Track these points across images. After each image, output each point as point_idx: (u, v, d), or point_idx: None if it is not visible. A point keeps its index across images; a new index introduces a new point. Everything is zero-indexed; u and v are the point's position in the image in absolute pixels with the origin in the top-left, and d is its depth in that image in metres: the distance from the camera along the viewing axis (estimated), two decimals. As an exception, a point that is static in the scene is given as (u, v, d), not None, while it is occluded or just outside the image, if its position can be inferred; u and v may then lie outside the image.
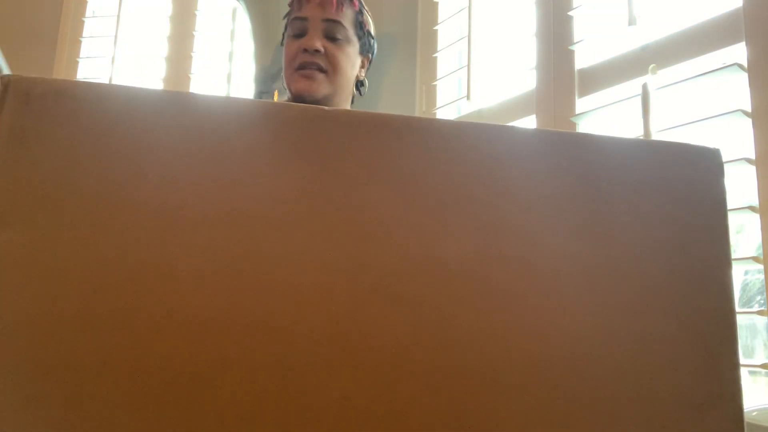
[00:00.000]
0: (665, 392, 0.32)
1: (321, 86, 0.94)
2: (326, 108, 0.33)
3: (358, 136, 0.33)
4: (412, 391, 0.30)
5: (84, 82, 0.32)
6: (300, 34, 0.94)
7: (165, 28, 1.87)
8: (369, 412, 0.30)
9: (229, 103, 0.33)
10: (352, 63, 0.97)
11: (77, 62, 1.85)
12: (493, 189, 0.33)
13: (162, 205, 0.30)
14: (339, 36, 0.95)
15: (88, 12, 1.92)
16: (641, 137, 0.96)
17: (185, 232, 0.30)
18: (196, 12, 1.87)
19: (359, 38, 0.98)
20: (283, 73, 0.99)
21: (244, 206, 0.31)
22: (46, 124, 0.30)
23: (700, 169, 0.36)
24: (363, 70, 1.02)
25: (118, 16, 1.86)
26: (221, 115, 0.32)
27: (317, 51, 0.92)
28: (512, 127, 0.36)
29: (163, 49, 1.85)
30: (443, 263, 0.32)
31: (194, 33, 1.85)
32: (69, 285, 0.29)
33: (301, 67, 0.93)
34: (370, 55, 1.02)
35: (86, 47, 1.88)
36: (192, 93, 0.32)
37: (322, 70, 0.93)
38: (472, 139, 0.34)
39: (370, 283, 0.31)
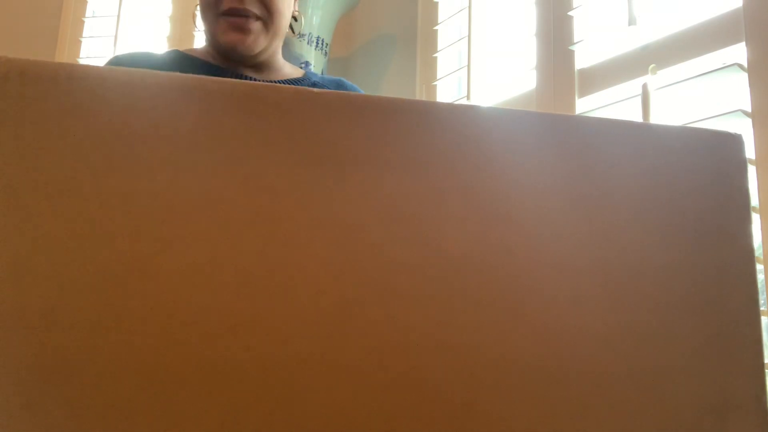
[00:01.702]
0: (683, 396, 0.30)
1: (258, 39, 0.77)
2: (315, 90, 0.30)
3: (350, 120, 0.30)
4: (411, 394, 0.28)
5: (52, 62, 0.29)
6: None
7: (165, 28, 1.87)
8: (364, 416, 0.28)
9: (211, 84, 0.30)
10: (288, 2, 0.80)
11: (77, 62, 1.85)
12: (497, 176, 0.31)
13: (137, 196, 0.28)
14: None
15: (88, 12, 1.92)
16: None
17: (162, 224, 0.28)
18: (196, 12, 1.86)
19: None
20: (198, 13, 0.80)
21: (228, 196, 0.28)
22: (8, 107, 0.28)
23: (721, 157, 0.33)
24: (295, 2, 0.84)
25: (118, 16, 1.86)
26: (202, 96, 0.29)
27: None
28: (517, 110, 0.33)
29: (163, 49, 1.85)
30: (444, 257, 0.30)
31: (194, 33, 1.84)
32: (33, 283, 0.26)
33: (229, 13, 0.75)
34: None
35: (86, 47, 1.88)
36: (172, 73, 0.30)
37: (257, 17, 0.76)
38: (473, 122, 0.31)
39: (365, 279, 0.29)
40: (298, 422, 0.27)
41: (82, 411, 0.26)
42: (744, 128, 0.88)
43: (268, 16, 0.77)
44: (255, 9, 0.75)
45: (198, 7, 0.82)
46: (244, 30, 0.75)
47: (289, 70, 0.90)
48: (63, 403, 0.26)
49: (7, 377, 0.26)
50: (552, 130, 0.32)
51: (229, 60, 0.83)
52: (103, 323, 0.27)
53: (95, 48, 1.90)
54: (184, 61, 0.84)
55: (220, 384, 0.27)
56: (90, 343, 0.26)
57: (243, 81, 0.30)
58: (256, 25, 0.76)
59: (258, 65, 0.84)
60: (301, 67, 1.38)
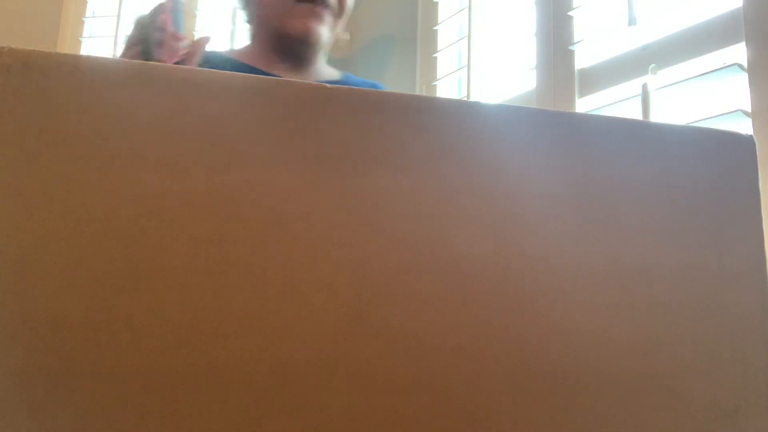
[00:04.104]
0: (694, 398, 0.30)
1: (324, 29, 0.78)
2: (328, 85, 0.30)
3: (362, 117, 0.30)
4: (423, 399, 0.28)
5: (57, 53, 0.28)
6: None
7: (165, 28, 1.87)
8: (375, 422, 0.27)
9: (219, 78, 0.29)
10: (354, 4, 0.83)
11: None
12: (510, 176, 0.30)
13: (143, 192, 0.27)
14: None
15: (88, 12, 1.92)
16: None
17: (170, 222, 0.27)
18: (196, 12, 1.87)
19: None
20: (258, 2, 0.80)
21: (236, 194, 0.28)
22: (11, 99, 0.27)
23: (732, 158, 0.33)
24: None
25: (118, 16, 1.86)
26: (209, 92, 0.29)
27: None
28: (527, 108, 0.32)
29: (163, 49, 1.85)
30: (457, 259, 0.29)
31: (194, 33, 1.84)
32: (37, 282, 0.26)
33: (308, 0, 0.76)
34: None
35: (86, 47, 1.88)
36: (179, 67, 0.29)
37: (331, 10, 0.78)
38: (489, 119, 0.31)
39: (376, 281, 0.28)
40: (309, 425, 0.27)
41: (87, 413, 0.26)
42: (744, 128, 0.88)
43: (338, 11, 0.78)
44: (333, 1, 0.77)
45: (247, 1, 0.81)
46: (320, 17, 0.76)
47: (327, 71, 0.90)
48: (68, 406, 0.26)
49: (11, 379, 0.26)
50: (563, 128, 0.32)
51: (281, 54, 0.81)
52: (109, 324, 0.26)
53: (95, 48, 1.90)
54: (220, 64, 0.83)
55: (230, 386, 0.27)
56: (96, 344, 0.26)
57: (252, 75, 0.29)
58: (328, 16, 0.77)
59: (301, 63, 0.83)
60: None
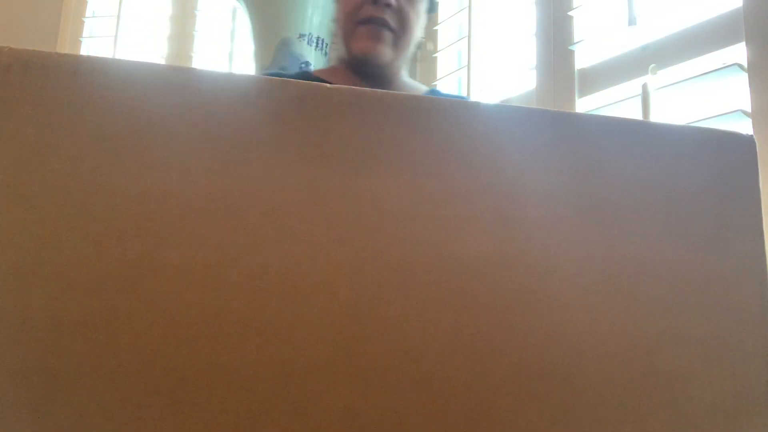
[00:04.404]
0: (696, 398, 0.30)
1: (387, 49, 0.80)
2: (327, 85, 0.30)
3: (363, 117, 0.30)
4: (423, 400, 0.28)
5: (57, 54, 0.28)
6: None
7: (165, 28, 1.87)
8: (375, 423, 0.27)
9: (219, 78, 0.29)
10: (420, 23, 0.84)
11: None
12: (511, 177, 0.30)
13: (144, 192, 0.27)
14: None
15: (88, 12, 1.92)
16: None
17: (171, 223, 0.27)
18: (196, 12, 1.87)
19: None
20: (335, 25, 0.85)
21: (237, 194, 0.28)
22: (11, 100, 0.27)
23: (732, 158, 0.33)
24: (422, 29, 0.88)
25: (118, 16, 1.86)
26: (209, 92, 0.29)
27: (388, 5, 0.78)
28: (529, 108, 0.33)
29: (163, 49, 1.85)
30: (458, 260, 0.29)
31: (194, 33, 1.84)
32: (38, 282, 0.26)
33: (367, 21, 0.79)
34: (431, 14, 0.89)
35: (86, 47, 1.88)
36: (180, 67, 0.29)
37: (390, 28, 0.79)
38: (490, 119, 0.31)
39: (377, 281, 0.28)
40: (309, 425, 0.27)
41: (87, 413, 0.26)
42: (744, 128, 0.88)
43: (400, 30, 0.80)
44: (391, 20, 0.79)
45: (335, 20, 0.86)
46: (377, 38, 0.79)
47: (411, 87, 0.92)
48: (68, 406, 0.26)
49: (11, 378, 0.26)
50: (563, 128, 0.32)
51: (358, 73, 0.85)
52: (109, 324, 0.26)
53: (95, 48, 1.90)
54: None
55: (230, 386, 0.26)
56: (96, 344, 0.26)
57: (252, 75, 0.30)
58: (388, 36, 0.80)
59: (377, 82, 0.86)
60: (301, 68, 1.36)
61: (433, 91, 0.97)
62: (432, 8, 0.88)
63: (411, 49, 0.85)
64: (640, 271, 0.31)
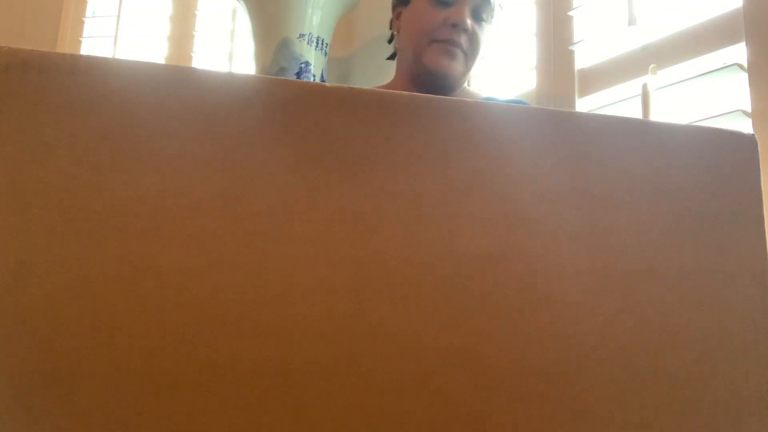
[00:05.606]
0: (699, 398, 0.30)
1: (459, 67, 0.88)
2: (327, 84, 0.30)
3: (363, 116, 0.30)
4: (423, 399, 0.28)
5: (56, 53, 0.28)
6: (447, 3, 0.86)
7: (165, 28, 1.87)
8: (375, 423, 0.27)
9: (219, 78, 0.29)
10: (486, 48, 0.92)
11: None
12: (511, 177, 0.30)
13: (143, 192, 0.27)
14: (485, 17, 0.88)
15: (88, 12, 1.92)
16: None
17: (169, 223, 0.27)
18: (196, 12, 1.87)
19: (495, 20, 0.91)
20: (407, 38, 0.90)
21: (237, 194, 0.28)
22: (10, 100, 0.27)
23: (734, 157, 0.33)
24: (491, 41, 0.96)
25: (118, 16, 1.86)
26: (210, 91, 0.29)
27: (466, 30, 0.85)
28: (532, 108, 0.33)
29: (163, 49, 1.85)
30: (457, 259, 0.29)
31: (194, 33, 1.84)
32: (36, 283, 0.26)
33: (443, 41, 0.86)
34: None
35: (86, 47, 1.88)
36: (179, 66, 0.29)
37: (463, 50, 0.87)
38: (490, 119, 0.31)
39: (376, 281, 0.28)
40: (309, 425, 0.27)
41: (85, 415, 0.26)
42: (744, 128, 0.88)
43: (470, 52, 0.88)
44: (464, 42, 0.87)
45: (398, 32, 0.92)
46: (452, 56, 0.86)
47: (471, 98, 0.93)
48: (66, 407, 0.26)
49: (9, 380, 0.26)
50: (563, 128, 0.32)
51: (424, 86, 0.90)
52: (108, 325, 0.26)
53: (95, 48, 1.90)
54: None
55: (230, 386, 0.26)
56: (94, 345, 0.26)
57: (251, 75, 0.30)
58: (461, 56, 0.87)
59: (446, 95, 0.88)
60: (301, 68, 1.37)
61: (490, 99, 1.00)
62: (493, 33, 0.93)
63: (472, 68, 0.92)
64: (639, 270, 0.31)
